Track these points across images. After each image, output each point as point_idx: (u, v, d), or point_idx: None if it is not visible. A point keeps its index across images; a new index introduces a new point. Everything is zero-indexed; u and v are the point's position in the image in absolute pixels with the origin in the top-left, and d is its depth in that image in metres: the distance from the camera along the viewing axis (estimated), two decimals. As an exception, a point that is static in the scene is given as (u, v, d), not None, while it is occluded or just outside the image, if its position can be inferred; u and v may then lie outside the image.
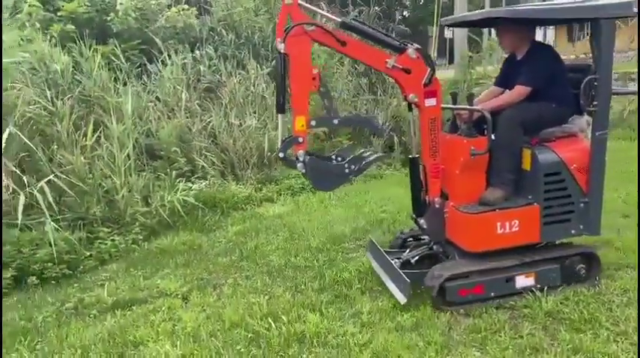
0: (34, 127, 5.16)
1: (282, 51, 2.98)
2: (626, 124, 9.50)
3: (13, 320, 3.63)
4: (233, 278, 4.12)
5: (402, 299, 3.23)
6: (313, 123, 3.14)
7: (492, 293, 3.27)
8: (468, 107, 3.46)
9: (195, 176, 6.44)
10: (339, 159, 3.23)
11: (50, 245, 4.39)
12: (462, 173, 3.37)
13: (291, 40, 2.98)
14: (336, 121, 3.27)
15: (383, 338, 2.94)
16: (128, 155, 5.61)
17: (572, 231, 3.41)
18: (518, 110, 3.38)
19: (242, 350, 2.98)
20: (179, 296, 3.83)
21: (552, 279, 3.35)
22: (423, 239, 3.94)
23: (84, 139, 5.48)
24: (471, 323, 3.13)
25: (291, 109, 3.17)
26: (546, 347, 2.80)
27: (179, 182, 5.94)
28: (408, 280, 3.22)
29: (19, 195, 4.25)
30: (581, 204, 3.37)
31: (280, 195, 6.49)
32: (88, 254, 4.71)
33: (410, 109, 3.44)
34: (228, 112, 7.28)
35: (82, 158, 5.11)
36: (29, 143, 4.66)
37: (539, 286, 3.31)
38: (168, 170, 6.08)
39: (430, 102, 3.21)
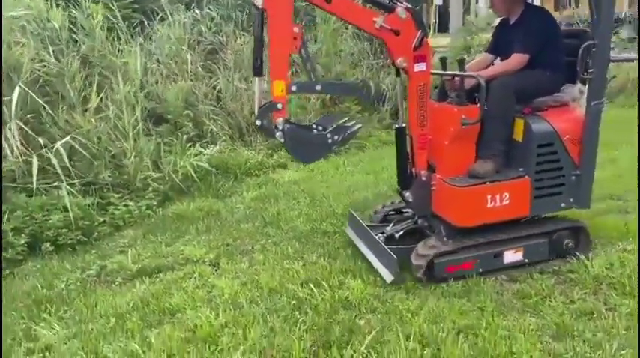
0: (42, 87, 4.84)
1: (259, 6, 2.69)
2: (629, 92, 9.45)
3: (35, 288, 3.45)
4: (260, 244, 3.98)
5: (388, 277, 3.07)
6: (294, 88, 2.83)
7: (481, 269, 3.14)
8: (463, 73, 3.24)
9: (204, 141, 6.22)
10: (320, 128, 3.00)
11: (65, 210, 4.20)
12: (451, 143, 3.17)
13: None
14: (318, 87, 2.96)
15: (433, 304, 2.86)
16: (136, 118, 5.36)
17: (562, 205, 3.29)
18: (512, 77, 3.21)
19: (288, 316, 2.87)
20: (207, 263, 3.69)
21: (540, 253, 3.26)
22: (406, 212, 3.79)
23: (87, 101, 5.20)
24: (518, 288, 3.06)
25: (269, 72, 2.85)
26: (603, 312, 2.75)
27: (190, 147, 5.72)
28: (395, 256, 3.06)
29: (30, 157, 3.99)
30: (573, 177, 3.25)
31: (293, 161, 6.32)
32: (102, 220, 4.53)
33: (398, 75, 3.22)
34: (232, 75, 7.01)
35: (93, 120, 4.83)
36: (41, 102, 4.37)
37: (526, 261, 3.22)
38: (179, 134, 5.84)
39: (420, 67, 2.98)
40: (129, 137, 5.31)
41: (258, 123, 2.81)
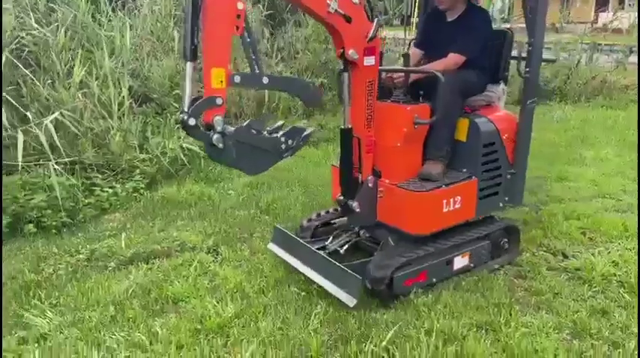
0: (25, 59, 4.51)
1: None
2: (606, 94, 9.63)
3: (21, 272, 3.22)
4: (259, 232, 3.84)
5: (350, 301, 2.64)
6: (237, 79, 2.25)
7: (434, 279, 2.95)
8: (415, 69, 3.10)
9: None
10: (258, 132, 2.43)
11: (49, 190, 3.94)
12: (403, 145, 2.96)
13: None
14: (265, 80, 2.37)
15: (449, 299, 2.81)
16: (123, 96, 5.09)
17: (500, 204, 3.27)
18: (458, 76, 3.05)
19: (299, 307, 2.77)
20: (205, 251, 3.53)
21: (483, 256, 3.18)
22: (334, 224, 3.45)
23: (69, 75, 4.90)
24: (528, 285, 3.06)
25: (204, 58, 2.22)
26: (616, 310, 2.77)
27: (178, 129, 5.49)
28: (359, 276, 2.67)
29: (16, 133, 3.71)
30: (508, 176, 3.23)
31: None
32: (87, 202, 4.28)
33: (345, 69, 2.71)
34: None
35: (80, 95, 4.54)
36: (28, 73, 4.05)
37: (472, 265, 3.13)
38: (167, 114, 5.59)
39: (369, 61, 2.68)
40: (114, 115, 5.04)
41: (191, 122, 2.13)
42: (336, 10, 2.48)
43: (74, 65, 4.90)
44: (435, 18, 3.41)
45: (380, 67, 2.83)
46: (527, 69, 3.10)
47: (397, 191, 2.93)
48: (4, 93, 3.92)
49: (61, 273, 3.24)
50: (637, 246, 3.44)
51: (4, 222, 3.65)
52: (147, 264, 3.36)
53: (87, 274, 3.23)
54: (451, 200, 2.97)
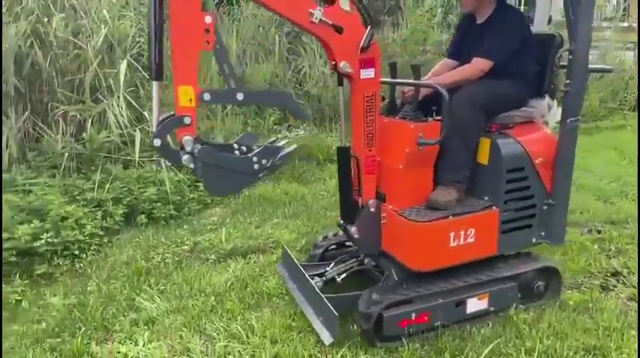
0: (143, 62, 4.93)
1: None
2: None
3: (134, 259, 3.52)
4: (351, 234, 3.87)
5: (327, 338, 2.42)
6: (207, 96, 2.11)
7: (439, 322, 2.57)
8: (418, 82, 2.63)
9: (287, 124, 6.19)
10: (243, 149, 2.32)
11: (160, 184, 4.27)
12: (406, 168, 2.56)
13: None
14: (240, 96, 2.20)
15: (553, 318, 2.63)
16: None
17: (533, 240, 2.76)
18: (479, 88, 2.66)
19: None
20: (298, 249, 3.63)
21: (508, 300, 2.71)
22: (350, 247, 3.15)
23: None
24: (645, 309, 2.78)
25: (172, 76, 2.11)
26: None
27: (275, 130, 5.70)
28: (336, 314, 2.41)
29: (134, 131, 4.06)
30: (545, 207, 2.73)
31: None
32: (191, 196, 4.58)
33: (340, 83, 2.59)
34: (318, 59, 6.92)
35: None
36: (146, 76, 4.42)
37: (492, 309, 2.68)
38: (265, 115, 5.83)
39: (367, 73, 2.40)
40: (218, 116, 5.34)
41: (157, 143, 2.07)
42: (321, 20, 2.24)
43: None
44: (466, 23, 3.03)
45: (381, 79, 2.54)
46: (568, 81, 2.60)
47: (397, 219, 2.57)
48: (126, 94, 4.28)
49: (168, 262, 3.49)
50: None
51: (120, 212, 4.01)
52: (244, 258, 3.52)
53: (190, 264, 3.45)
54: (461, 233, 2.55)
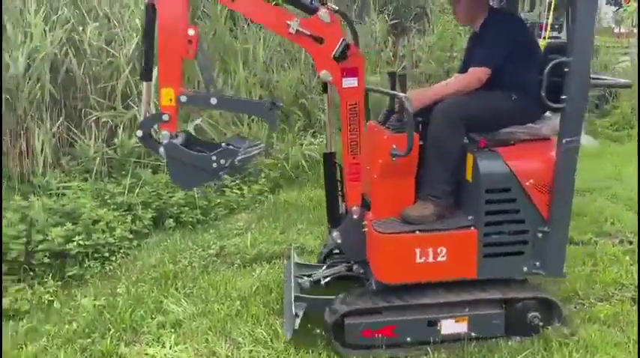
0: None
1: (147, 0, 2.39)
2: None
3: (161, 262, 3.59)
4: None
5: (286, 333, 2.58)
6: (183, 98, 2.38)
7: (408, 338, 2.51)
8: (389, 91, 2.66)
9: (312, 131, 6.22)
10: (237, 148, 2.48)
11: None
12: (380, 178, 2.56)
13: None
14: (214, 101, 2.44)
15: (583, 332, 2.58)
16: (253, 104, 5.45)
17: (524, 269, 2.56)
18: (460, 100, 2.58)
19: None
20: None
21: (492, 328, 2.54)
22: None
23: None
24: (679, 324, 2.70)
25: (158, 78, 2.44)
26: None
27: (301, 136, 5.74)
28: (296, 313, 2.57)
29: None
30: (539, 234, 2.52)
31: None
32: (218, 201, 4.64)
33: (325, 90, 2.75)
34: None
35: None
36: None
37: (473, 335, 2.53)
38: (291, 122, 5.88)
39: (349, 82, 2.46)
40: (244, 122, 5.41)
41: (139, 134, 2.44)
42: (297, 31, 2.36)
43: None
44: (472, 35, 2.96)
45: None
46: (564, 96, 2.38)
47: (370, 228, 2.58)
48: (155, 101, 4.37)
49: (195, 266, 3.55)
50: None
51: (148, 216, 4.10)
52: (269, 263, 3.55)
53: (216, 268, 3.51)
54: (429, 250, 2.47)
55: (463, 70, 2.84)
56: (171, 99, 2.37)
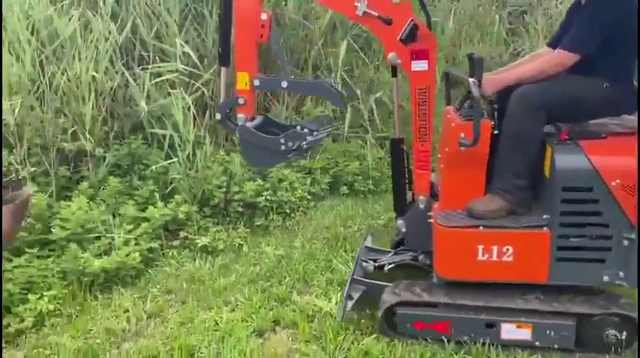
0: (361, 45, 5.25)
1: None
2: None
3: (334, 225, 3.88)
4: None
5: (338, 313, 2.64)
6: (257, 82, 2.47)
7: (465, 337, 2.38)
8: (458, 75, 2.58)
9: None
10: (306, 131, 2.51)
11: (362, 159, 4.57)
12: (447, 168, 2.47)
13: None
14: (284, 84, 2.50)
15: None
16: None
17: (605, 278, 2.28)
18: (543, 86, 2.28)
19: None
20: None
21: (560, 339, 2.29)
22: None
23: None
24: None
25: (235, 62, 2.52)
26: None
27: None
28: (350, 295, 2.64)
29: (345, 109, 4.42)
30: (625, 241, 2.21)
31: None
32: (389, 174, 4.74)
33: (394, 74, 2.68)
34: (542, 40, 6.36)
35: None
36: (363, 56, 4.69)
37: (537, 344, 2.32)
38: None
39: (419, 65, 2.35)
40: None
41: (217, 116, 2.59)
42: (365, 12, 2.31)
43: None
44: (574, 5, 2.60)
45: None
46: None
47: (434, 220, 2.51)
48: (342, 72, 4.62)
49: (363, 233, 3.74)
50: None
51: (325, 181, 4.42)
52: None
53: (381, 238, 3.65)
54: (493, 248, 2.32)
55: (554, 43, 2.58)
56: (246, 83, 2.49)
